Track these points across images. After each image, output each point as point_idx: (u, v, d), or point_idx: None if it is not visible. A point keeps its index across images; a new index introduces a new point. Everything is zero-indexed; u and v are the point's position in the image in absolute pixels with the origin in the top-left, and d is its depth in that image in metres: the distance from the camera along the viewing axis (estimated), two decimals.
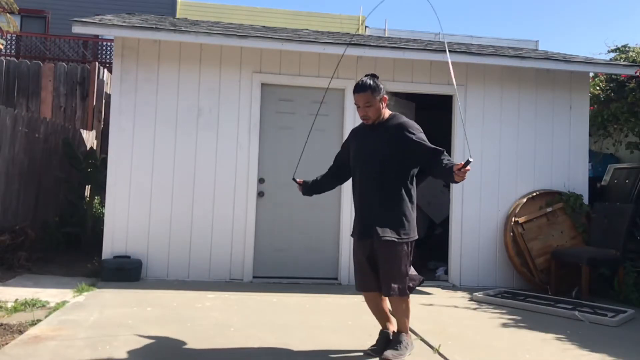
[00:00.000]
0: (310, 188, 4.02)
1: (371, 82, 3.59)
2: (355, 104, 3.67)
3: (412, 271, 3.67)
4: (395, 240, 3.51)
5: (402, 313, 3.64)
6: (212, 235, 6.16)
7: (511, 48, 8.26)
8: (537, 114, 6.85)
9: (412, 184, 3.65)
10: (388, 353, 3.53)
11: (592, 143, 7.87)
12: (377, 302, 3.77)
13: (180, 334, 4.02)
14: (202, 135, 6.21)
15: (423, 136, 3.61)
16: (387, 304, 3.79)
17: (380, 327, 3.84)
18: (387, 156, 3.57)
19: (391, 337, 3.69)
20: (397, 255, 3.52)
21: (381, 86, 3.63)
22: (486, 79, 6.77)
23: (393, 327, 3.76)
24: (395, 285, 3.51)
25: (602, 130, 7.90)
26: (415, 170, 3.66)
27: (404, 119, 3.69)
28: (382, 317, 3.81)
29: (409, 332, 3.75)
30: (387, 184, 3.57)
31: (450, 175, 3.29)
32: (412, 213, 3.63)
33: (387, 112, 3.70)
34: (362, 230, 3.64)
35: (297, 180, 4.02)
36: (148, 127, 6.12)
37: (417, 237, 3.65)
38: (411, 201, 3.62)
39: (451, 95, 6.75)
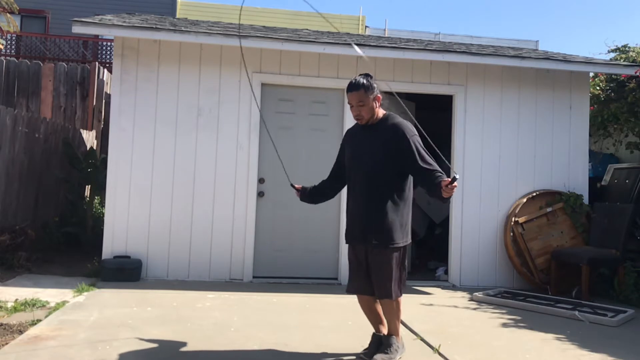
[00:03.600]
0: (309, 195, 3.93)
1: (364, 81, 3.52)
2: (348, 103, 3.60)
3: (405, 279, 3.62)
4: (389, 246, 3.46)
5: (393, 314, 3.58)
6: (212, 235, 6.16)
7: (511, 48, 8.26)
8: (537, 114, 6.85)
9: (407, 185, 3.57)
10: (378, 357, 3.49)
11: (592, 143, 7.88)
12: (370, 304, 3.71)
13: (180, 334, 4.02)
14: (202, 135, 6.21)
15: (418, 141, 3.52)
16: (380, 305, 3.73)
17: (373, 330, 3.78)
18: (381, 159, 3.51)
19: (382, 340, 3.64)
20: (390, 260, 3.47)
21: (375, 85, 3.55)
22: (486, 79, 6.77)
23: (385, 329, 3.70)
24: (388, 289, 3.47)
25: (602, 130, 7.90)
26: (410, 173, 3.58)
27: (399, 119, 3.60)
28: (375, 320, 3.75)
29: (400, 335, 3.69)
30: (381, 188, 3.50)
31: (438, 191, 3.24)
32: (407, 217, 3.57)
33: (381, 112, 3.62)
34: (356, 235, 3.60)
35: (295, 186, 3.95)
36: (148, 127, 6.12)
37: (410, 241, 3.61)
38: (406, 204, 3.55)
39: (451, 95, 6.75)
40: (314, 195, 3.94)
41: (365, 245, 3.54)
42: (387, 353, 3.52)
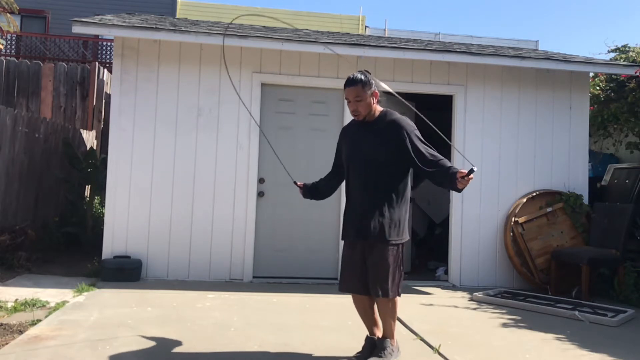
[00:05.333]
0: (310, 191, 3.93)
1: (362, 77, 3.51)
2: (345, 98, 3.58)
3: (402, 278, 3.56)
4: (386, 242, 3.43)
5: (388, 315, 3.52)
6: (212, 235, 6.16)
7: (511, 48, 8.26)
8: (537, 114, 6.85)
9: (405, 183, 3.56)
10: None
11: (592, 143, 7.88)
12: (364, 304, 3.65)
13: (180, 334, 4.02)
14: (202, 135, 6.21)
15: (418, 135, 3.51)
16: (375, 307, 3.65)
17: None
18: (379, 156, 3.49)
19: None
20: (387, 257, 3.44)
21: (372, 81, 3.53)
22: (486, 79, 6.77)
23: (380, 332, 3.64)
24: (384, 287, 3.42)
25: (602, 130, 7.90)
26: (409, 169, 3.57)
27: (397, 115, 3.58)
28: (369, 321, 3.68)
29: (395, 338, 3.61)
30: (379, 184, 3.48)
31: (452, 182, 3.21)
32: (405, 214, 3.55)
33: (378, 109, 3.60)
34: (353, 232, 3.56)
35: (298, 183, 3.95)
36: (148, 127, 6.12)
37: (408, 238, 3.58)
38: (404, 201, 3.53)
39: (451, 95, 6.75)
40: (316, 191, 3.95)
41: (362, 242, 3.51)
42: (381, 356, 3.46)
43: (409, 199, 3.61)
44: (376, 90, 3.55)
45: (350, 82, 3.53)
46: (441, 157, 3.43)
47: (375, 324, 3.67)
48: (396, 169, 3.51)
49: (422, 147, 3.46)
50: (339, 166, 3.85)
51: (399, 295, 3.53)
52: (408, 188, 3.61)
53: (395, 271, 3.48)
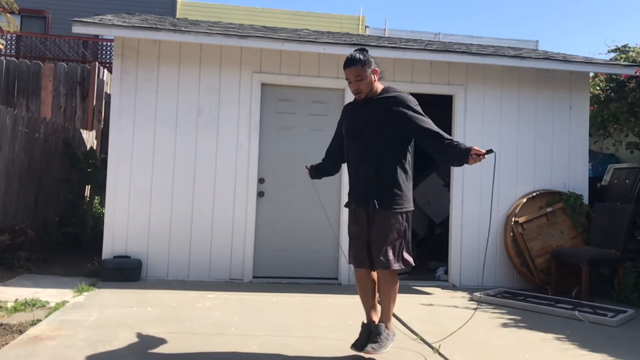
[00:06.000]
0: (317, 170, 4.07)
1: (360, 56, 3.53)
2: (346, 79, 3.60)
3: (407, 255, 3.58)
4: (389, 209, 3.47)
5: (389, 294, 3.54)
6: (212, 235, 6.16)
7: (511, 48, 8.26)
8: (537, 114, 6.85)
9: (407, 156, 3.61)
10: (368, 348, 3.46)
11: (592, 143, 7.88)
12: (367, 284, 3.66)
13: (180, 334, 4.02)
14: (202, 135, 6.21)
15: (419, 110, 3.54)
16: (376, 288, 3.68)
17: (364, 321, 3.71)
18: (382, 130, 3.51)
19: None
20: (390, 225, 3.46)
21: (371, 59, 3.55)
22: (486, 79, 6.77)
23: (377, 317, 3.66)
24: (386, 257, 3.44)
25: (602, 130, 7.90)
26: (411, 143, 3.62)
27: (399, 91, 3.60)
28: (369, 303, 3.69)
29: (391, 323, 3.64)
30: (381, 158, 3.51)
31: (463, 157, 3.26)
32: (409, 185, 3.59)
33: (379, 86, 3.62)
34: (357, 201, 3.60)
35: (307, 166, 4.12)
36: (148, 127, 6.12)
37: (412, 208, 3.60)
38: (406, 173, 3.58)
39: (451, 95, 6.75)
40: (318, 172, 4.09)
41: (366, 209, 3.54)
42: (377, 342, 3.48)
43: (411, 173, 3.66)
44: (376, 68, 3.58)
45: (350, 62, 3.54)
46: (444, 133, 3.46)
47: (374, 307, 3.70)
48: (397, 142, 3.54)
49: (425, 120, 3.51)
50: (338, 143, 3.87)
51: (410, 265, 3.56)
52: (410, 162, 3.65)
53: (399, 242, 3.50)
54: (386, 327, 3.58)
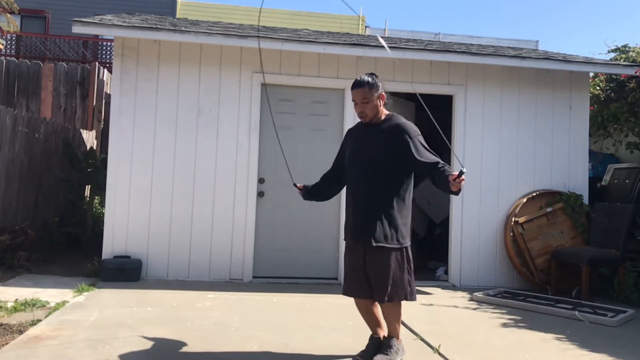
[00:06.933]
0: (310, 193, 3.95)
1: (369, 79, 3.56)
2: (352, 100, 3.62)
3: (412, 282, 3.52)
4: (388, 246, 3.42)
5: (393, 317, 3.53)
6: (212, 235, 6.16)
7: (511, 48, 8.26)
8: (537, 114, 6.85)
9: (408, 186, 3.55)
10: (378, 357, 3.45)
11: (592, 143, 7.88)
12: (367, 306, 3.65)
13: (180, 334, 4.02)
14: (202, 135, 6.21)
15: (421, 140, 3.52)
16: (378, 308, 3.66)
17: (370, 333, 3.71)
18: (382, 158, 3.50)
19: (382, 342, 3.58)
20: (389, 262, 3.42)
21: (379, 84, 3.57)
22: (486, 79, 6.77)
23: (383, 332, 3.65)
24: (388, 293, 3.41)
25: (602, 130, 7.90)
26: (411, 174, 3.57)
27: (402, 120, 3.61)
28: (372, 322, 3.69)
29: (400, 338, 3.62)
30: (381, 187, 3.48)
31: (447, 185, 3.21)
32: (407, 218, 3.54)
33: (384, 112, 3.64)
34: (355, 235, 3.55)
35: (297, 185, 3.96)
36: (148, 127, 6.12)
37: (408, 244, 3.54)
38: (406, 205, 3.53)
39: (451, 95, 6.75)
40: (315, 193, 3.96)
41: (363, 246, 3.50)
42: (387, 354, 3.48)
43: (411, 203, 3.60)
44: (383, 93, 3.59)
45: (358, 84, 3.57)
46: (440, 160, 3.42)
47: (378, 324, 3.68)
48: (398, 172, 3.51)
49: (425, 152, 3.46)
50: (338, 167, 3.84)
51: (414, 299, 3.53)
52: (410, 192, 3.60)
53: (398, 276, 3.45)
54: (396, 342, 3.57)
